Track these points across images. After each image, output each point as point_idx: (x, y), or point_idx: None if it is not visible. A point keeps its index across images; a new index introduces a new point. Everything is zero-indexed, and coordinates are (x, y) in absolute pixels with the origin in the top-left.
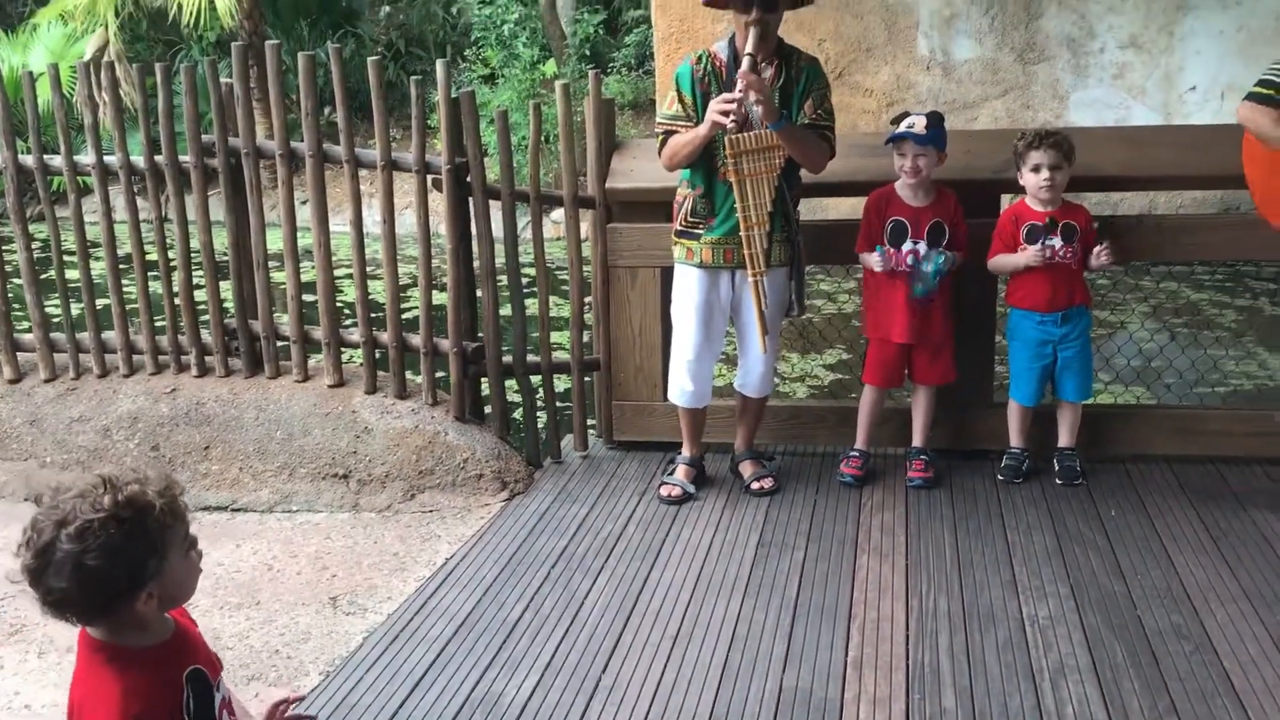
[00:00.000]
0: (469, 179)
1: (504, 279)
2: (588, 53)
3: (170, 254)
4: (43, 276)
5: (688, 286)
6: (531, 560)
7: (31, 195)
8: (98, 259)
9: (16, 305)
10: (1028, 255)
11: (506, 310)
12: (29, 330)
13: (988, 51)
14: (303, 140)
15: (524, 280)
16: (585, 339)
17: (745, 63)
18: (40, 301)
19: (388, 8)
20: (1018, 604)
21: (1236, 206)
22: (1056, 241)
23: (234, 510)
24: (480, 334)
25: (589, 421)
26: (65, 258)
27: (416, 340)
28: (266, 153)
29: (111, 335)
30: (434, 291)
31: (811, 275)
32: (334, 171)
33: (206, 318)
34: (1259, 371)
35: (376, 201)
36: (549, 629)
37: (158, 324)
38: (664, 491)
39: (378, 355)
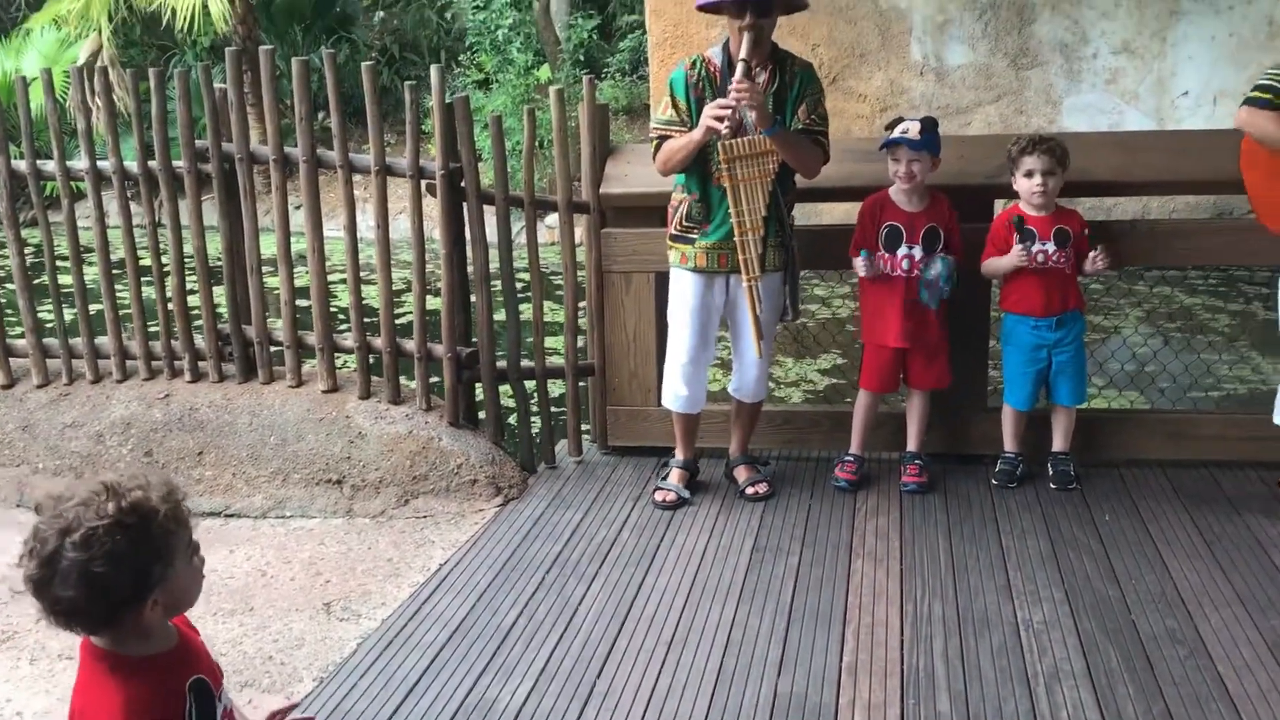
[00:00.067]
0: (463, 184)
1: (498, 284)
2: (582, 58)
3: (164, 259)
4: (36, 282)
5: (683, 291)
6: (526, 565)
7: (24, 200)
8: (91, 264)
9: (9, 310)
10: (1012, 256)
11: (501, 315)
12: (22, 336)
13: (981, 57)
14: (297, 145)
15: (518, 285)
16: (580, 344)
17: (739, 69)
18: (33, 307)
19: (382, 13)
20: (1012, 609)
21: (1229, 211)
22: (1050, 246)
23: (227, 516)
24: (474, 339)
25: (583, 427)
26: (58, 263)
27: (410, 345)
28: (260, 158)
29: (105, 341)
30: (428, 296)
31: (806, 280)
32: (328, 176)
33: (200, 323)
34: (1252, 376)
35: (370, 207)
36: (543, 634)
37: (151, 329)
38: (658, 496)
39: (371, 360)
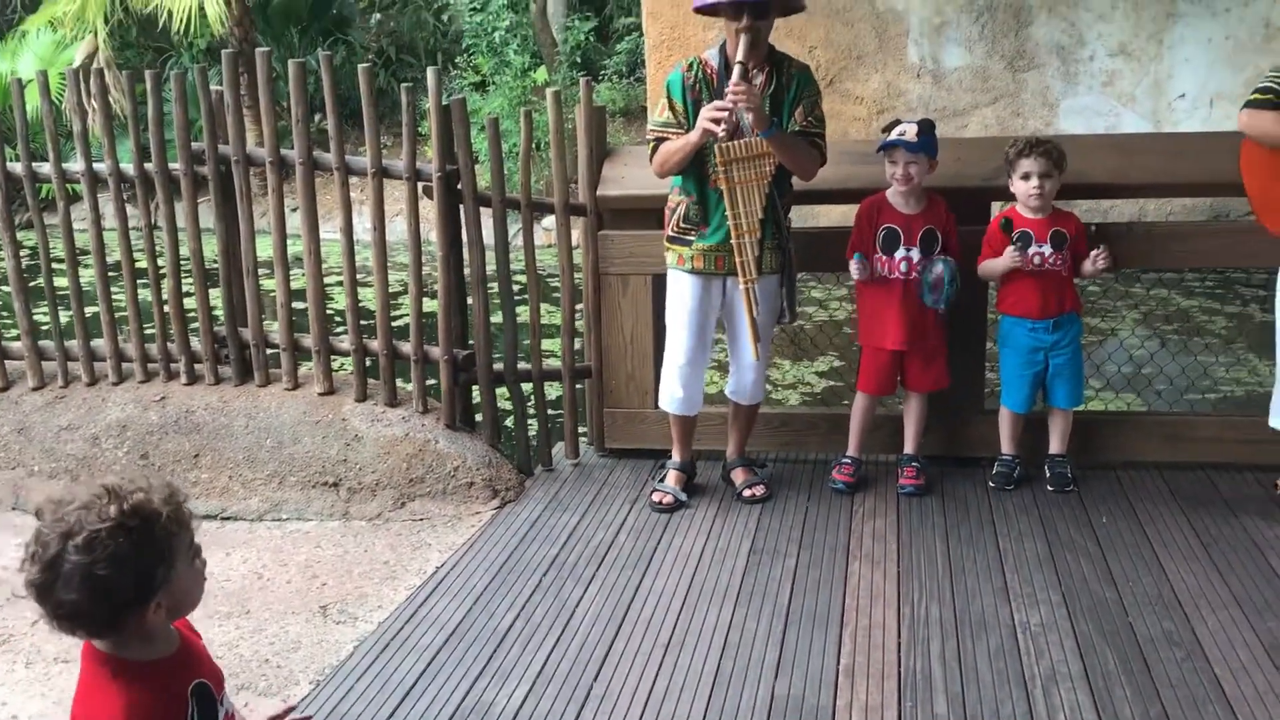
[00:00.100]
0: (460, 186)
1: (495, 286)
2: (579, 60)
3: (160, 261)
4: (31, 284)
5: (680, 292)
6: (522, 568)
7: (20, 203)
8: (86, 266)
9: (4, 313)
10: (1005, 258)
11: (498, 318)
12: (17, 338)
13: (978, 59)
14: (293, 147)
15: (515, 287)
16: (577, 346)
17: (736, 71)
18: (28, 309)
19: (379, 15)
20: (1009, 611)
21: (1226, 214)
22: (1046, 248)
23: (223, 519)
24: (471, 341)
25: (580, 429)
26: (54, 265)
27: (407, 348)
28: (257, 160)
29: (100, 343)
30: (425, 299)
31: (803, 282)
32: (324, 179)
33: (196, 325)
34: (1249, 378)
35: (367, 209)
36: (540, 637)
37: (147, 332)
38: (655, 498)
39: (368, 363)
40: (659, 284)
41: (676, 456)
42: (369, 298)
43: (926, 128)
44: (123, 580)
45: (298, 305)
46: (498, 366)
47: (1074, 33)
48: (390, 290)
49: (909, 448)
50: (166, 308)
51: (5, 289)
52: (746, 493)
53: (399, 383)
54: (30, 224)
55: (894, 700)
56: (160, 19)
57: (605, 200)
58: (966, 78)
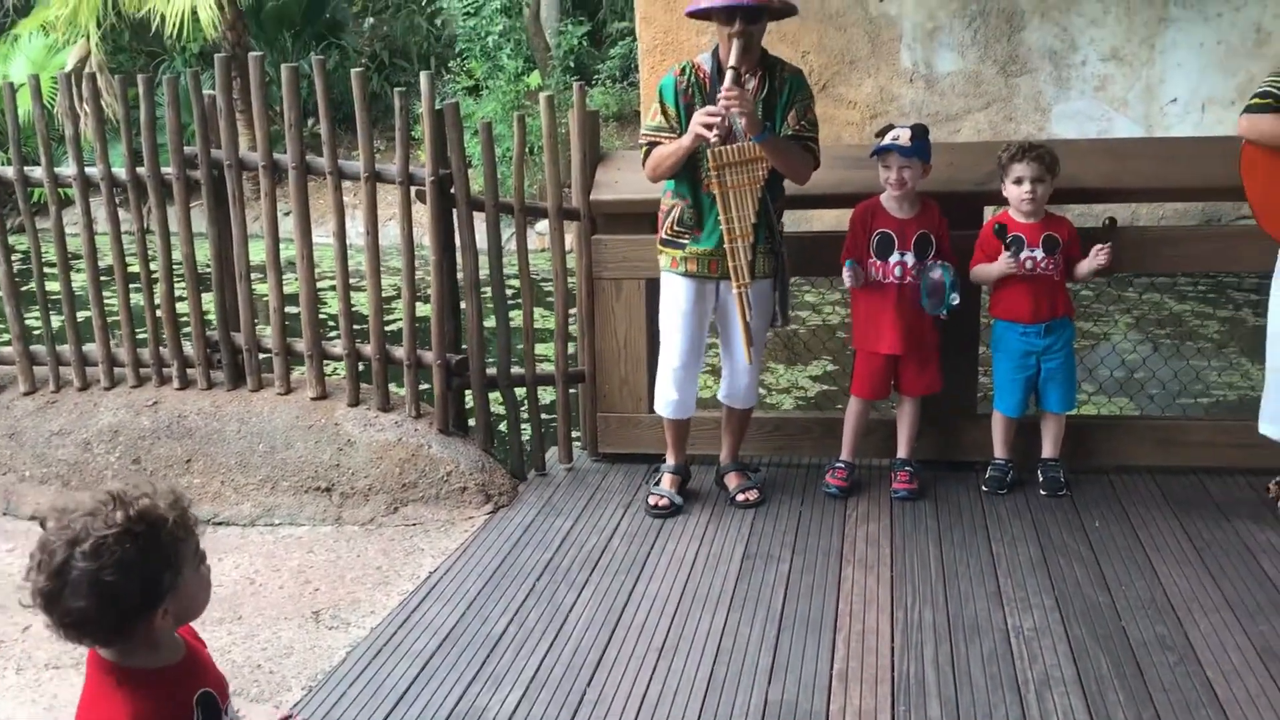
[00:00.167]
0: (453, 190)
1: (488, 291)
2: (572, 64)
3: (152, 266)
4: (23, 289)
5: (674, 296)
6: (516, 573)
7: (11, 207)
8: (79, 271)
9: None
10: (1000, 264)
11: (491, 322)
12: (8, 343)
13: (970, 64)
14: (286, 152)
15: (508, 292)
16: (570, 351)
17: (728, 76)
18: (20, 314)
19: (372, 19)
20: (1003, 615)
21: (1218, 218)
22: (1038, 253)
23: (216, 524)
24: (464, 346)
25: (573, 434)
26: (46, 269)
27: (400, 352)
28: (249, 164)
29: (92, 348)
30: (417, 303)
31: (797, 287)
32: (317, 183)
33: (188, 330)
34: (1242, 382)
35: (360, 213)
36: (533, 643)
37: (139, 336)
38: (651, 501)
39: (361, 367)
40: (652, 288)
41: (671, 460)
42: (362, 302)
43: (920, 132)
44: (130, 586)
45: (290, 310)
46: (491, 371)
47: (1066, 38)
48: (383, 295)
49: (902, 452)
50: (159, 312)
51: None
52: (740, 497)
53: (392, 387)
54: (22, 228)
55: (887, 705)
56: (153, 23)
57: (599, 205)
58: (959, 82)
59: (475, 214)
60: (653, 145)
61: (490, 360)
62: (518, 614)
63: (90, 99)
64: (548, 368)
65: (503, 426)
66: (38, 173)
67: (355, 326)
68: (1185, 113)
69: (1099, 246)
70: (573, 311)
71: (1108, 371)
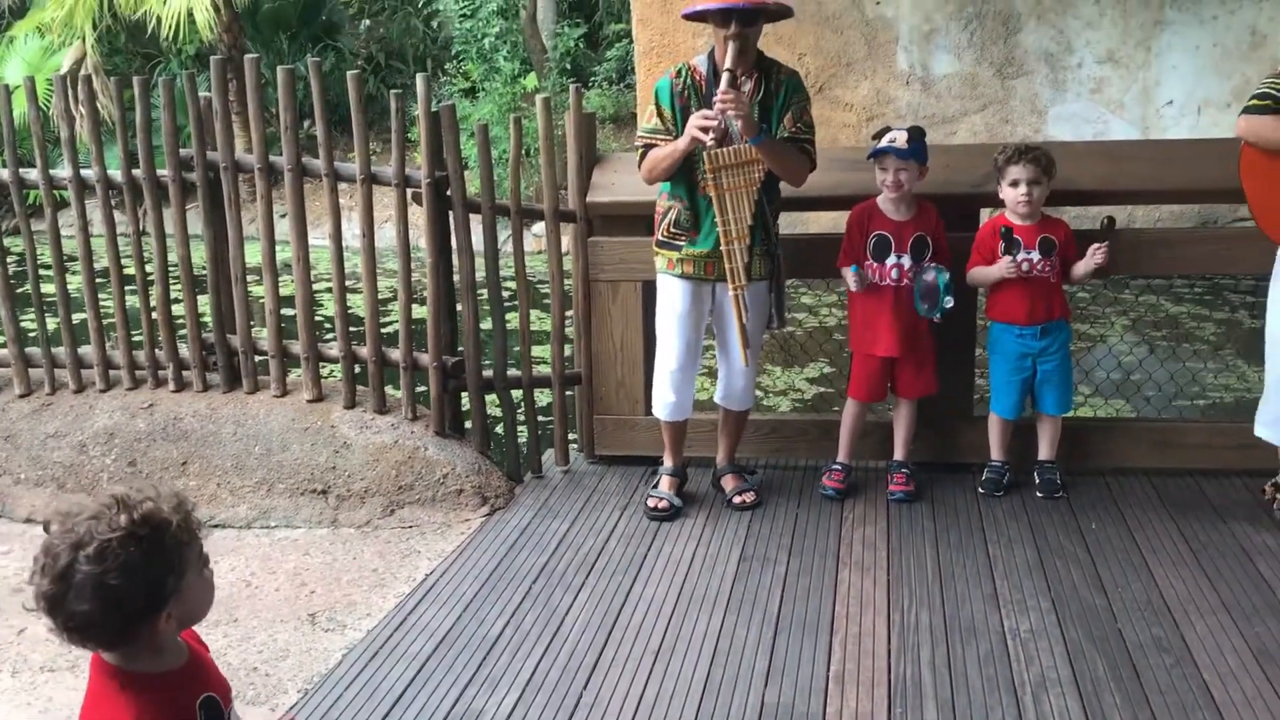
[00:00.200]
0: (449, 193)
1: (484, 293)
2: (569, 66)
3: (148, 268)
4: (18, 291)
5: (671, 298)
6: (512, 576)
7: (7, 209)
8: (74, 273)
9: None
10: (1000, 267)
11: (487, 324)
12: (3, 345)
13: (967, 66)
14: (282, 154)
15: (505, 294)
16: (566, 353)
17: (724, 79)
18: (15, 316)
19: (368, 21)
20: (999, 617)
21: (1214, 220)
22: (1034, 255)
23: (212, 526)
24: (460, 348)
25: (570, 436)
26: (41, 272)
27: (396, 355)
28: (245, 166)
29: (88, 350)
30: (414, 305)
31: (794, 289)
32: (313, 185)
33: (184, 332)
34: (1238, 384)
35: (356, 215)
36: (529, 645)
37: (135, 339)
38: (651, 504)
39: (357, 370)
40: (649, 290)
41: (669, 462)
42: (358, 304)
43: (917, 135)
44: (134, 590)
45: (286, 312)
46: (487, 373)
47: (1062, 40)
48: (379, 297)
49: (899, 454)
50: (154, 314)
51: None
52: (736, 499)
53: (388, 389)
54: (17, 230)
55: (884, 707)
56: (149, 25)
57: (595, 207)
58: (955, 85)
59: (471, 216)
60: (649, 147)
61: (487, 362)
62: (514, 616)
63: (86, 101)
64: (544, 370)
65: (499, 429)
66: (33, 175)
67: (351, 329)
68: (1181, 115)
69: (1096, 246)
70: (569, 313)
71: (1104, 373)
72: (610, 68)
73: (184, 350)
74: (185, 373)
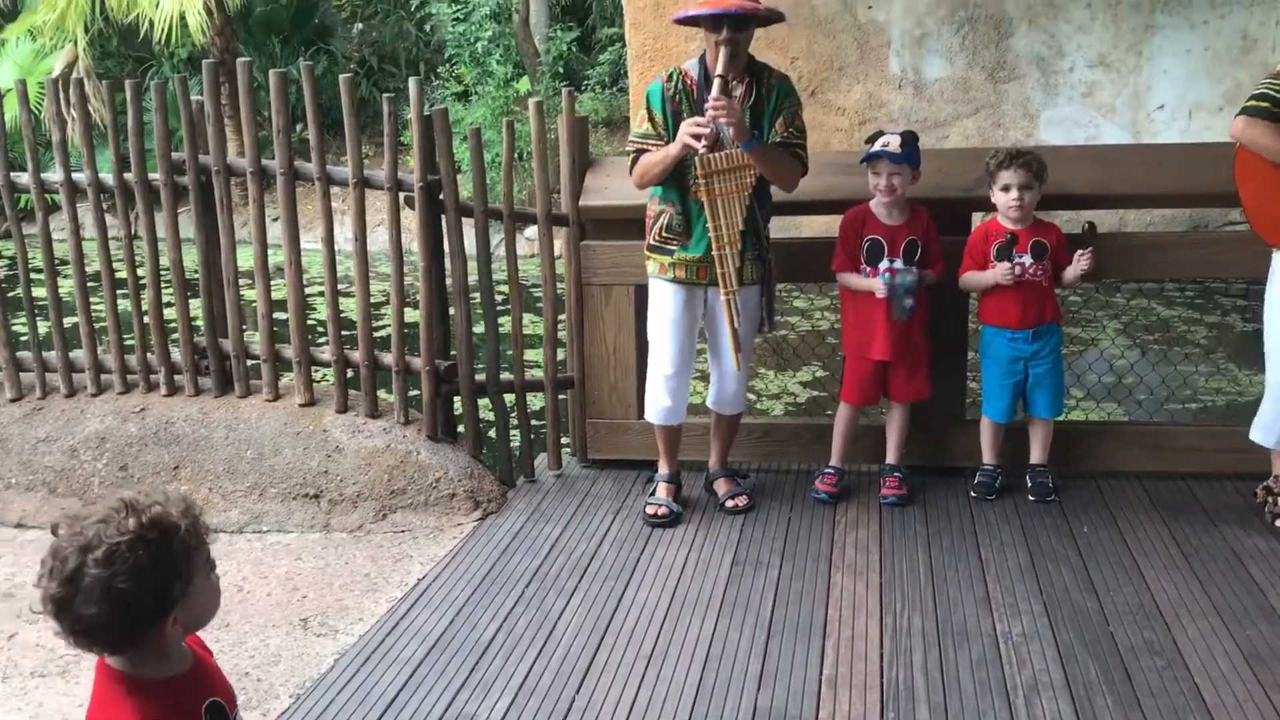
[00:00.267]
0: (442, 196)
1: (477, 297)
2: (561, 70)
3: (139, 272)
4: (9, 295)
5: (663, 302)
6: (504, 580)
7: None
8: (65, 277)
9: None
10: (997, 273)
11: (480, 328)
12: None
13: (959, 70)
14: (274, 158)
15: (497, 298)
16: (559, 357)
17: (715, 84)
18: (6, 320)
19: (360, 25)
20: (991, 621)
21: (1205, 225)
22: (1027, 259)
23: None
24: (453, 352)
25: (563, 440)
26: (32, 276)
27: (388, 359)
28: (237, 170)
29: (79, 354)
30: (406, 309)
31: (786, 292)
32: (305, 189)
33: (176, 336)
34: (1229, 388)
35: (348, 219)
36: (522, 649)
37: (126, 343)
38: (650, 511)
39: (349, 374)
40: (641, 294)
41: (665, 469)
42: (350, 308)
43: (909, 139)
44: (142, 593)
45: (279, 316)
46: (480, 377)
47: (1054, 44)
48: (372, 301)
49: (891, 458)
50: (146, 318)
51: None
52: (729, 503)
53: (380, 394)
54: (9, 234)
55: (877, 711)
56: (141, 28)
57: (588, 210)
58: (947, 89)
59: (464, 220)
60: (640, 152)
61: (479, 366)
62: (506, 621)
63: (77, 104)
64: (537, 374)
65: (492, 433)
66: (24, 178)
67: (344, 332)
68: (1172, 119)
69: (1081, 252)
70: (562, 317)
71: (1096, 377)
72: (603, 72)
73: (176, 354)
74: (177, 377)
